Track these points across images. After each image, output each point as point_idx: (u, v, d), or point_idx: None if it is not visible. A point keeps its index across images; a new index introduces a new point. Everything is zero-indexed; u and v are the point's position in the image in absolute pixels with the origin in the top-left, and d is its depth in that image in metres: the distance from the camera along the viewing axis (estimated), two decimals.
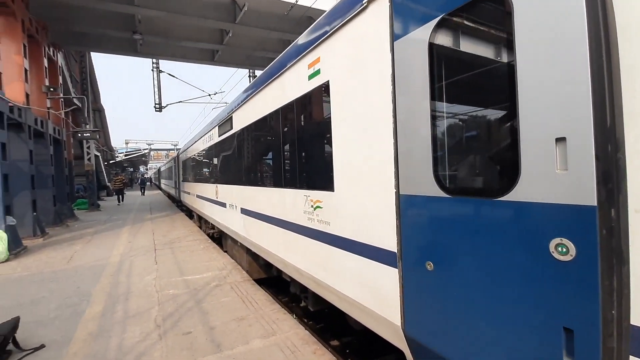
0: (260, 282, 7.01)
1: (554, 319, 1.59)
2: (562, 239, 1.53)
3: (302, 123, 4.22)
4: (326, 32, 3.39)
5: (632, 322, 1.33)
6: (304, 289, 4.68)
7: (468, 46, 2.01)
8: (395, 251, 2.58)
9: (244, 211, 6.53)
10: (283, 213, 4.66)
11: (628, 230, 1.33)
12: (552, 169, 1.56)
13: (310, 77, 3.77)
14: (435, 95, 2.20)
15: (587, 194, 1.44)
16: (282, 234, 4.70)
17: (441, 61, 2.17)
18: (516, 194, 1.72)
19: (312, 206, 3.84)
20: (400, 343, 2.69)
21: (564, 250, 1.53)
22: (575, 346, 1.51)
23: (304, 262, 4.11)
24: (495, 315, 1.86)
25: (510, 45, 1.71)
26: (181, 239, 10.35)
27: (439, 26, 2.13)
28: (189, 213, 16.96)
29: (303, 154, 4.18)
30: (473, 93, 2.09)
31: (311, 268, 3.95)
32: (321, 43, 3.51)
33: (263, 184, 5.69)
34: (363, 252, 2.97)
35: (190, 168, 14.77)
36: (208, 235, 11.76)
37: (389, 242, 2.64)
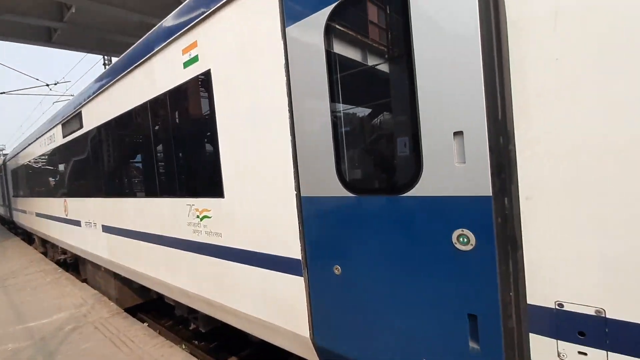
0: (137, 308, 5.88)
1: (458, 307, 1.63)
2: (463, 229, 1.57)
3: (179, 119, 3.57)
4: (203, 12, 2.90)
5: (529, 302, 1.44)
6: (194, 310, 4.05)
7: (367, 37, 1.93)
8: (300, 258, 2.36)
9: (107, 229, 5.30)
10: (161, 227, 3.90)
11: (520, 217, 1.43)
12: (452, 162, 1.59)
13: (187, 64, 3.20)
14: (334, 89, 2.05)
15: (483, 185, 1.50)
16: (162, 252, 3.94)
17: (339, 52, 2.03)
18: (419, 189, 1.71)
19: (197, 216, 3.29)
20: (310, 354, 2.50)
21: (465, 240, 1.57)
22: (479, 331, 1.57)
23: (193, 282, 3.51)
24: (404, 309, 1.84)
25: (409, 42, 1.68)
26: (18, 273, 7.83)
27: (335, 13, 1.98)
28: (29, 236, 13.15)
29: (182, 156, 3.55)
30: (374, 87, 2.03)
31: (202, 288, 3.39)
32: (198, 25, 2.99)
33: (131, 195, 4.69)
34: (263, 263, 2.66)
35: (25, 179, 11.42)
36: (58, 262, 9.30)
37: (292, 249, 2.40)
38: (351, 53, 2.05)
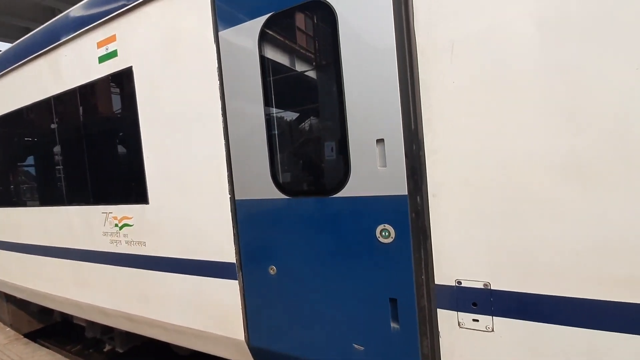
0: (37, 334, 5.08)
1: (381, 293, 1.86)
2: (385, 225, 1.80)
3: (92, 119, 3.24)
4: (125, 5, 2.71)
5: (436, 282, 1.71)
6: (108, 329, 3.68)
7: (299, 46, 2.06)
8: (234, 261, 2.37)
9: None
10: (70, 239, 3.46)
11: (429, 211, 1.70)
12: (375, 165, 1.80)
13: (103, 59, 2.94)
14: (268, 94, 2.14)
15: (400, 185, 1.74)
16: (71, 267, 3.50)
17: (273, 58, 2.12)
18: (348, 190, 1.89)
19: (116, 225, 3.02)
20: (245, 358, 2.51)
21: (387, 234, 1.80)
22: (399, 311, 1.81)
23: (110, 298, 3.20)
24: (335, 301, 2.00)
25: (337, 54, 1.86)
26: None
27: (270, 22, 2.07)
28: None
29: (96, 160, 3.22)
30: (306, 93, 2.16)
31: (122, 303, 3.12)
32: (118, 18, 2.78)
33: (30, 204, 4.06)
34: (194, 270, 2.58)
35: None
36: None
37: (226, 253, 2.40)
38: (284, 60, 2.16)
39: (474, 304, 1.64)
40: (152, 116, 2.70)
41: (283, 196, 2.11)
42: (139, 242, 2.88)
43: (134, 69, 2.74)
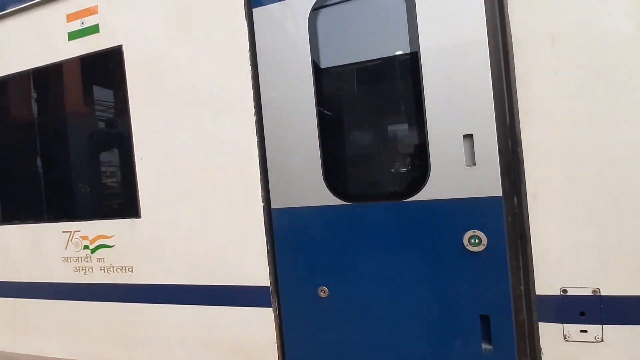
0: None
1: (471, 310, 1.63)
2: (475, 230, 1.60)
3: (52, 110, 2.52)
4: None
5: (537, 293, 1.55)
6: None
7: (364, 30, 1.80)
8: (267, 284, 1.94)
9: None
10: (4, 270, 2.59)
11: (528, 214, 1.55)
12: (461, 164, 1.61)
13: (75, 35, 2.31)
14: (321, 84, 1.83)
15: (493, 186, 1.57)
16: (5, 307, 2.61)
17: (328, 43, 1.83)
18: (426, 193, 1.66)
19: (85, 247, 2.33)
20: None
21: (477, 241, 1.59)
22: (492, 330, 1.60)
23: (73, 345, 2.43)
24: (412, 322, 1.72)
25: (415, 38, 1.65)
26: None
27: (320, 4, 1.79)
28: None
29: (55, 161, 2.50)
30: (371, 84, 1.90)
31: (89, 351, 2.38)
32: None
33: None
34: (207, 298, 2.07)
35: None
36: None
37: (255, 274, 1.96)
38: (343, 45, 1.87)
39: (582, 314, 1.50)
40: (150, 108, 2.16)
41: (340, 202, 1.79)
42: (122, 268, 2.24)
43: (124, 49, 2.19)
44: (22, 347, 2.58)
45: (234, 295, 2.01)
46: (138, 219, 2.19)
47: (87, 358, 2.36)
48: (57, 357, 2.45)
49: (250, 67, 1.92)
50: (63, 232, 2.39)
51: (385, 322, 1.75)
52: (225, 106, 1.99)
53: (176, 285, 2.13)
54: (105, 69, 2.30)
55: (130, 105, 2.19)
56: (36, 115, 2.50)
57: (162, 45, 2.11)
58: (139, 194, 2.18)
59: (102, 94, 2.38)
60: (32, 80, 2.45)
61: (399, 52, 1.76)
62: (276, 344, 1.93)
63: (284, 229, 1.90)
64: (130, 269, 2.22)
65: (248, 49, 1.92)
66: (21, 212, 2.58)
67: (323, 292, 1.83)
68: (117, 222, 2.25)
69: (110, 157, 2.38)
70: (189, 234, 2.09)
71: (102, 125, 2.45)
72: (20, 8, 2.45)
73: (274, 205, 1.91)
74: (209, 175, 2.03)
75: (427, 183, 1.66)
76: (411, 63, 1.70)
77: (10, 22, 2.50)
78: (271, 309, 1.93)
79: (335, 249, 1.82)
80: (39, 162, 2.48)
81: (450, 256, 1.64)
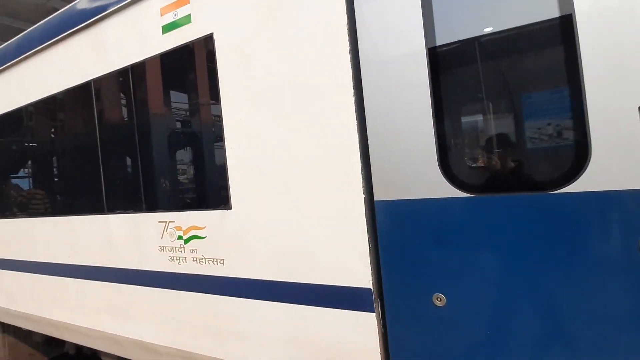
0: None
1: None
2: None
3: (150, 102, 2.61)
4: None
5: None
6: None
7: None
8: (369, 286, 1.73)
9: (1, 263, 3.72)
10: (108, 256, 2.77)
11: None
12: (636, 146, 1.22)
13: (168, 28, 2.34)
14: (437, 57, 1.56)
15: None
16: (107, 291, 2.79)
17: (447, 10, 1.56)
18: (585, 183, 1.30)
19: (179, 237, 2.35)
20: None
21: None
22: None
23: (165, 332, 2.50)
24: (562, 341, 1.37)
25: None
26: None
27: None
28: None
29: (153, 155, 2.58)
30: (508, 53, 1.58)
31: (182, 339, 2.42)
32: None
33: (51, 212, 3.35)
34: (300, 297, 1.93)
35: None
36: None
37: (355, 274, 1.76)
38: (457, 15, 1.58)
39: None
40: (240, 95, 2.08)
41: (462, 194, 1.50)
42: (213, 260, 2.21)
43: (215, 37, 2.14)
44: (122, 330, 2.73)
45: (330, 295, 1.84)
46: (229, 211, 2.14)
47: (177, 345, 2.40)
48: (150, 342, 2.54)
49: (349, 44, 1.72)
50: (159, 222, 2.45)
51: (523, 340, 1.43)
52: (319, 90, 1.81)
53: (267, 280, 2.03)
54: (198, 58, 2.29)
55: (220, 95, 2.14)
56: (134, 110, 2.60)
57: (249, 29, 2.01)
58: (230, 185, 2.12)
59: (194, 84, 2.38)
60: (131, 76, 2.55)
61: (542, 18, 1.41)
62: (379, 353, 1.72)
63: (389, 224, 1.67)
64: (221, 261, 2.18)
65: (346, 22, 1.72)
66: (124, 202, 2.72)
67: (439, 300, 1.57)
68: (209, 213, 2.22)
69: (205, 149, 2.38)
70: (280, 228, 1.97)
71: (195, 116, 2.46)
72: (118, 8, 2.55)
73: (377, 198, 1.69)
74: (303, 165, 1.89)
75: (586, 170, 1.29)
76: (561, 27, 1.35)
77: (108, 23, 2.63)
78: (373, 314, 1.72)
79: (453, 250, 1.54)
80: (137, 153, 2.58)
81: (620, 261, 1.26)
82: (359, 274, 1.74)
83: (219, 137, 2.15)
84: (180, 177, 2.48)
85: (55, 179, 3.45)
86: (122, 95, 2.68)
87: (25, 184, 3.66)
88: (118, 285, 2.72)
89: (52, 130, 3.41)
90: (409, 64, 1.59)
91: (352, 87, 1.71)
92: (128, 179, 2.69)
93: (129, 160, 2.67)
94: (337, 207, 1.79)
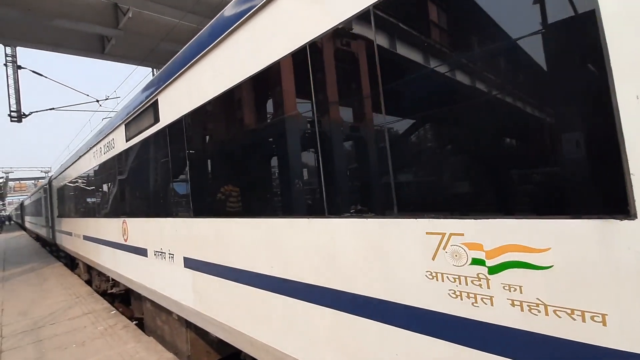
0: None
1: None
2: None
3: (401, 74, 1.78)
4: None
5: None
6: None
7: None
8: None
9: (195, 264, 3.56)
10: (336, 275, 2.07)
11: None
12: None
13: None
14: None
15: None
16: (336, 323, 2.09)
17: None
18: None
19: (478, 262, 1.42)
20: None
21: None
22: None
23: None
24: None
25: None
26: (58, 316, 6.12)
27: None
28: (72, 261, 11.90)
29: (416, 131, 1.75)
30: None
31: None
32: None
33: (253, 212, 2.90)
34: None
35: (73, 197, 10.22)
36: (103, 293, 7.75)
37: None
38: None
39: None
40: None
41: None
42: (572, 312, 1.19)
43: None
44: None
45: None
46: (627, 222, 1.08)
47: None
48: None
49: None
50: (427, 233, 1.58)
51: None
52: None
53: None
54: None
55: None
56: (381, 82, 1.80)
57: None
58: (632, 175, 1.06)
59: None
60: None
61: None
62: None
63: None
64: (598, 318, 1.14)
65: None
66: (364, 203, 1.98)
67: None
68: (569, 224, 1.21)
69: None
70: None
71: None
72: None
73: None
74: None
75: None
76: None
77: None
78: None
79: None
80: (384, 135, 1.78)
81: None
82: None
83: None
84: (465, 168, 1.55)
85: (264, 175, 2.88)
86: (335, 67, 1.93)
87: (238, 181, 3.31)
88: (348, 316, 1.98)
89: (252, 120, 2.97)
90: None
91: None
92: (366, 170, 1.93)
93: (368, 144, 1.90)
94: None
